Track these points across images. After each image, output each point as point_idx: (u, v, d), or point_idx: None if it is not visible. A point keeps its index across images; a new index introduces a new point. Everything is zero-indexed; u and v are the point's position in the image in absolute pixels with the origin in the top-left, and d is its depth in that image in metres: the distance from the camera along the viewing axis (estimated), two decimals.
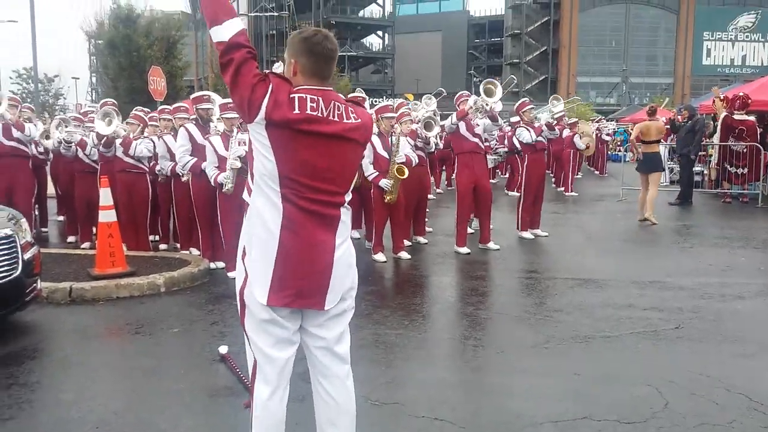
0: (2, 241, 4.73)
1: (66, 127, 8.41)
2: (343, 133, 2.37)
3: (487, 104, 7.78)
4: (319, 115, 2.31)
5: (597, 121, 23.64)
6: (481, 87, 7.97)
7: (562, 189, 15.22)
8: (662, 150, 12.72)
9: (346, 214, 2.49)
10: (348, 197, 2.50)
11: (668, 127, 13.61)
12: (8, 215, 5.14)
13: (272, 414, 2.51)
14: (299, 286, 2.39)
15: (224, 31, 2.31)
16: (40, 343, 4.84)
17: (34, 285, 5.12)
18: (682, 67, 65.08)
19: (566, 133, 14.94)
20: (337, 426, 2.60)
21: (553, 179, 16.48)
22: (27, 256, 4.95)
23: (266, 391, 2.50)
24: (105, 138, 7.49)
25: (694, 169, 13.56)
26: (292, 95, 2.29)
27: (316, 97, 2.32)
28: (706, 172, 14.54)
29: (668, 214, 11.08)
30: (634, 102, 58.80)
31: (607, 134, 22.01)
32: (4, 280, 4.65)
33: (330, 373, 2.58)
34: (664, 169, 11.19)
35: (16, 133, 8.13)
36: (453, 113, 7.99)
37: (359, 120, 2.44)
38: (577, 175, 17.91)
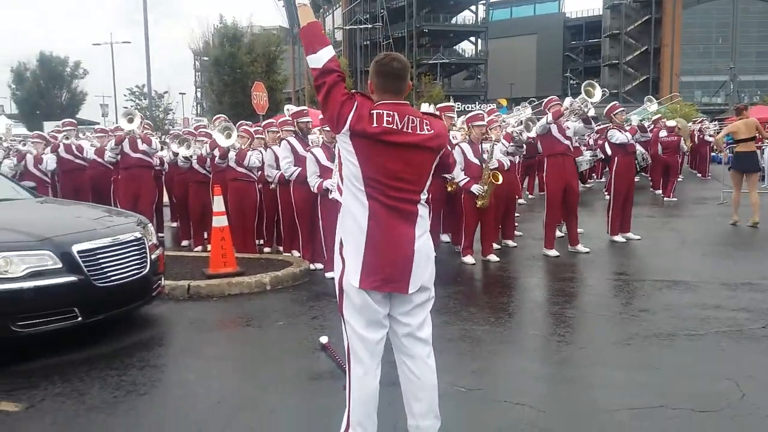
0: (133, 243, 5.37)
1: (188, 145, 9.12)
2: (417, 143, 2.76)
3: (586, 105, 7.93)
4: (395, 127, 2.71)
5: (699, 122, 22.72)
6: (582, 88, 8.13)
7: (660, 192, 14.88)
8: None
9: (423, 210, 2.87)
10: (424, 196, 2.87)
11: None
12: (137, 220, 5.83)
13: (365, 388, 2.90)
14: (386, 272, 2.78)
15: (319, 58, 2.80)
16: (165, 333, 5.49)
17: (159, 282, 5.77)
18: None
19: (663, 134, 14.61)
20: (420, 400, 2.95)
21: (651, 183, 16.13)
22: (153, 256, 5.58)
23: (360, 369, 2.89)
24: (222, 150, 8.21)
25: None
26: (372, 111, 2.71)
27: (392, 112, 2.73)
28: None
29: (767, 217, 10.70)
30: (744, 100, 55.77)
31: (710, 135, 21.10)
32: (135, 277, 5.28)
33: (414, 353, 2.94)
34: (759, 170, 10.72)
35: (141, 146, 8.96)
36: (546, 115, 8.15)
37: (432, 131, 2.81)
38: (678, 178, 17.40)
